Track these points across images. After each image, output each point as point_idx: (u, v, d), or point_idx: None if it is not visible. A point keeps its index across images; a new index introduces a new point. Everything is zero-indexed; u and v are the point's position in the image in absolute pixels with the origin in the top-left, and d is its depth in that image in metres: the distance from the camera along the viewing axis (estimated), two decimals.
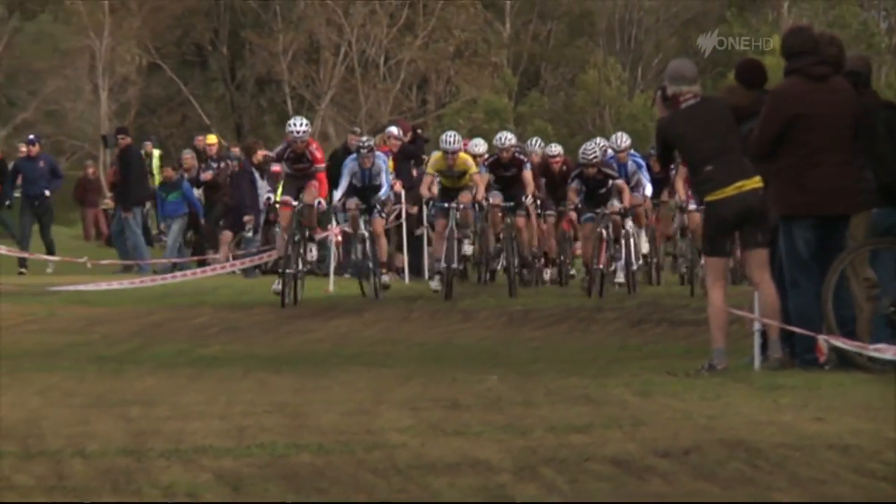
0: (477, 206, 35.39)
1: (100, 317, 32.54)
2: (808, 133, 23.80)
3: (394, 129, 47.35)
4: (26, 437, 19.15)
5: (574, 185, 34.70)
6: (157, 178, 53.49)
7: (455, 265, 32.76)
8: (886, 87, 69.00)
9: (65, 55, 70.26)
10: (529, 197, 36.92)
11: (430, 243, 40.29)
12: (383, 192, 34.98)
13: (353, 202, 34.07)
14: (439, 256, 34.43)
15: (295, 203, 32.36)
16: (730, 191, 23.26)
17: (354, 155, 36.66)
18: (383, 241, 34.87)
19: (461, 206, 33.79)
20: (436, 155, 34.21)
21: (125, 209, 51.38)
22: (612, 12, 79.08)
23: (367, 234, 34.15)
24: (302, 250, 33.15)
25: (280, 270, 34.08)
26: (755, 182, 23.57)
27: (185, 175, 52.63)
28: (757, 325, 24.07)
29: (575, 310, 36.27)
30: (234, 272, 49.48)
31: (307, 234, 33.65)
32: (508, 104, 77.73)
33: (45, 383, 24.54)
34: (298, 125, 34.06)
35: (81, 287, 44.64)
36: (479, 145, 40.51)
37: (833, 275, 23.92)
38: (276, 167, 33.89)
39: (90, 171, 70.93)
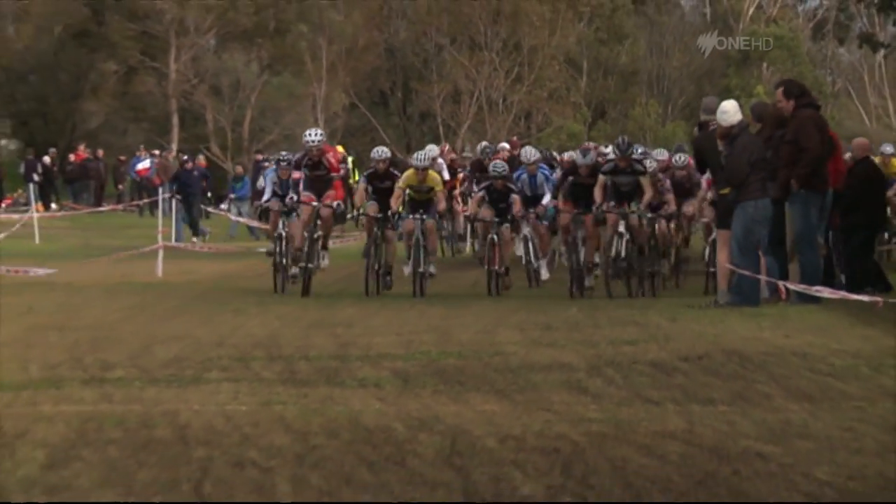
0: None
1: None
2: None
3: (505, 145, 46.30)
4: (269, 347, 20.56)
5: (481, 194, 30.79)
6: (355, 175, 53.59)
7: (420, 269, 28.58)
8: (830, 119, 71.50)
9: (296, 98, 72.89)
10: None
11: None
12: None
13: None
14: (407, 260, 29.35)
15: (315, 203, 28.58)
16: (728, 189, 24.03)
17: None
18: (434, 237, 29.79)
19: (427, 231, 29.00)
20: (408, 172, 28.96)
21: None
22: (652, 69, 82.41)
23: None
24: (317, 247, 28.95)
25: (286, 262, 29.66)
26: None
27: None
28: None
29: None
30: None
31: (320, 237, 29.25)
32: (583, 130, 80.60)
33: (281, 311, 26.15)
34: (313, 135, 29.36)
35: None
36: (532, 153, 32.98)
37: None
38: (296, 174, 29.53)
39: None
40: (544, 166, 32.61)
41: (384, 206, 27.78)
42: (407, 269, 28.22)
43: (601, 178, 23.75)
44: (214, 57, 66.75)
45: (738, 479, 12.07)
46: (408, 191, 27.99)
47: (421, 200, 27.62)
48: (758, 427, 14.18)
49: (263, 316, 25.32)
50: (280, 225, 29.01)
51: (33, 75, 64.71)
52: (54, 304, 27.30)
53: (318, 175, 28.36)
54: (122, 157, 58.89)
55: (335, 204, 28.63)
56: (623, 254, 26.67)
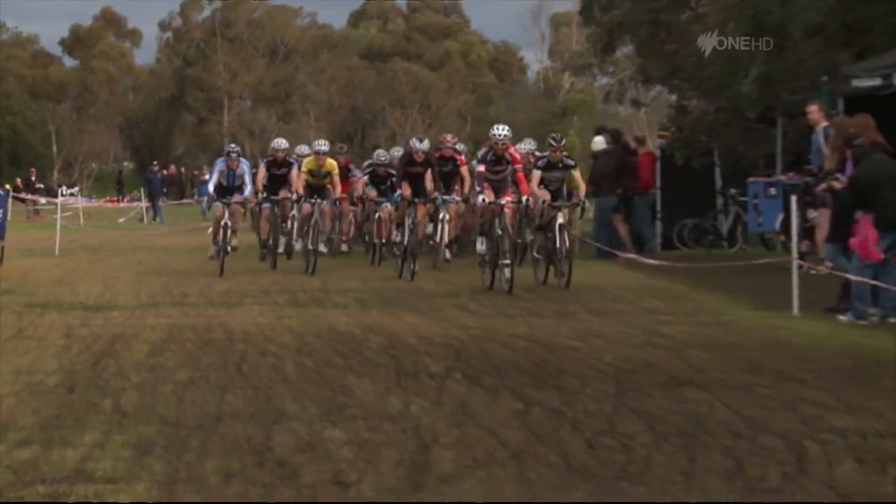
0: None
1: None
2: None
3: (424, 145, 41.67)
4: (281, 286, 21.78)
5: (365, 178, 25.70)
6: None
7: (316, 248, 22.58)
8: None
9: (297, 137, 74.77)
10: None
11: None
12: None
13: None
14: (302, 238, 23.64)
15: (313, 200, 23.18)
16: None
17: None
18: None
19: (320, 214, 22.98)
20: (308, 157, 23.58)
21: None
22: (510, 121, 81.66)
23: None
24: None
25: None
26: None
27: None
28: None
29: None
30: None
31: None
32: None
33: (286, 268, 25.44)
34: (321, 145, 23.90)
35: None
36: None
37: None
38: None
39: None
40: None
41: (277, 189, 23.40)
42: (298, 246, 23.74)
43: (536, 173, 19.53)
44: (250, 112, 74.95)
45: (559, 361, 13.36)
46: (307, 176, 22.94)
47: (317, 186, 22.86)
48: (571, 331, 15.77)
49: (274, 274, 24.31)
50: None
51: (144, 124, 76.68)
52: (155, 259, 28.31)
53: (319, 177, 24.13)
54: (196, 172, 62.19)
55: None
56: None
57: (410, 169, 21.05)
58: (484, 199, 17.75)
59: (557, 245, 16.63)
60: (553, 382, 12.14)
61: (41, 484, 8.15)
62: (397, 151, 27.59)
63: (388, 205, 23.43)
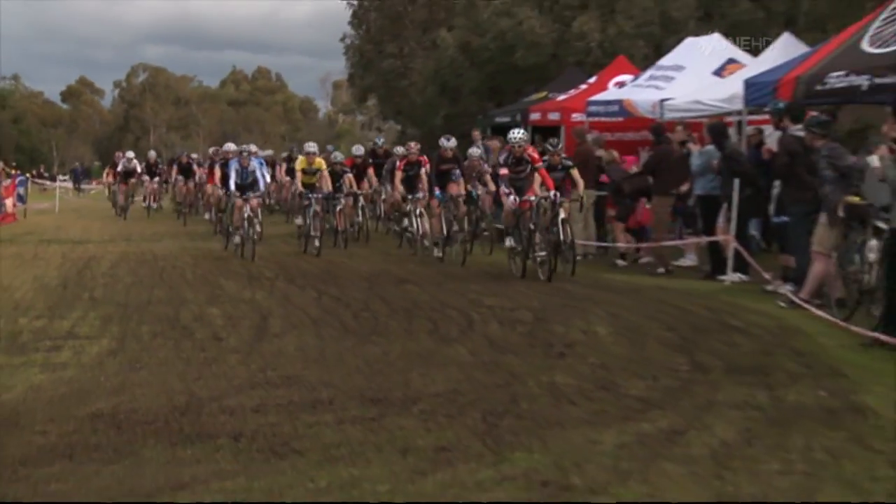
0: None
1: None
2: None
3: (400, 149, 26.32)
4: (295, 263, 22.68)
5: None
6: None
7: (312, 234, 17.39)
8: None
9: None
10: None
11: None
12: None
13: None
14: (304, 227, 18.24)
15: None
16: None
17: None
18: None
19: (315, 199, 17.56)
20: (301, 158, 19.15)
21: None
22: None
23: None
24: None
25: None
26: None
27: None
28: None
29: None
30: None
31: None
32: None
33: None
34: (312, 146, 18.96)
35: None
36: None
37: None
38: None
39: None
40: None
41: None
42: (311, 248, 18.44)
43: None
44: (165, 134, 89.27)
45: (337, 271, 14.29)
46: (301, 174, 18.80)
47: (311, 183, 18.29)
48: (344, 255, 16.75)
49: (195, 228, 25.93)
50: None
51: (105, 141, 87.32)
52: (109, 215, 30.88)
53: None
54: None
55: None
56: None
57: (442, 167, 17.45)
58: (515, 199, 14.21)
59: (562, 237, 13.63)
60: (333, 282, 13.65)
61: (49, 340, 9.44)
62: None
63: (343, 199, 19.08)
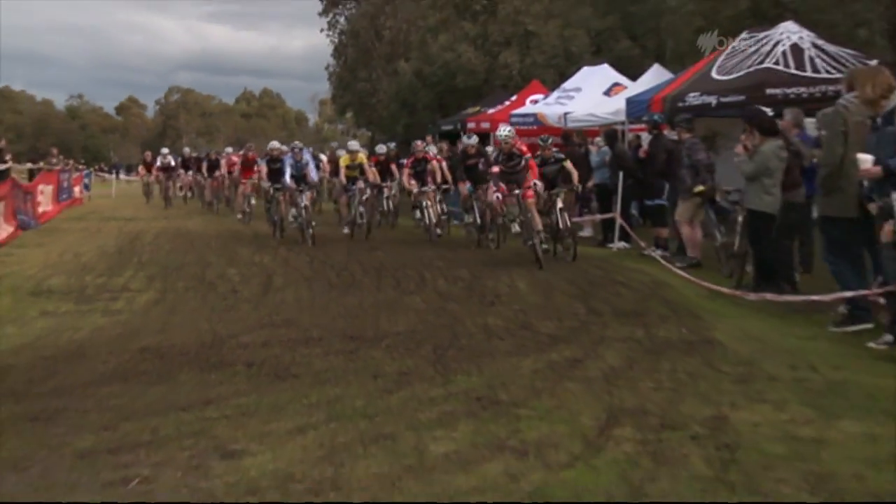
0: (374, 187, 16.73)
1: None
2: None
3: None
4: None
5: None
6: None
7: (358, 222, 14.78)
8: None
9: None
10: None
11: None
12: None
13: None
14: (347, 217, 15.16)
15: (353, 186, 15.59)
16: None
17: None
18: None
19: (359, 188, 15.01)
20: (344, 155, 15.62)
21: None
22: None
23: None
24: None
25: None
26: None
27: None
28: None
29: None
30: None
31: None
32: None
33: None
34: (354, 144, 16.56)
35: None
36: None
37: None
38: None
39: None
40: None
41: (275, 177, 15.29)
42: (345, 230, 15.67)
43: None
44: (195, 139, 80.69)
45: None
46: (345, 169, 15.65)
47: (353, 177, 15.29)
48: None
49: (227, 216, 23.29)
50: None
51: (149, 143, 75.33)
52: (156, 200, 27.04)
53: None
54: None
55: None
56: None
57: (468, 162, 13.89)
58: (499, 197, 11.73)
59: (560, 225, 11.57)
60: (321, 247, 13.06)
61: (107, 292, 9.37)
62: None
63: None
